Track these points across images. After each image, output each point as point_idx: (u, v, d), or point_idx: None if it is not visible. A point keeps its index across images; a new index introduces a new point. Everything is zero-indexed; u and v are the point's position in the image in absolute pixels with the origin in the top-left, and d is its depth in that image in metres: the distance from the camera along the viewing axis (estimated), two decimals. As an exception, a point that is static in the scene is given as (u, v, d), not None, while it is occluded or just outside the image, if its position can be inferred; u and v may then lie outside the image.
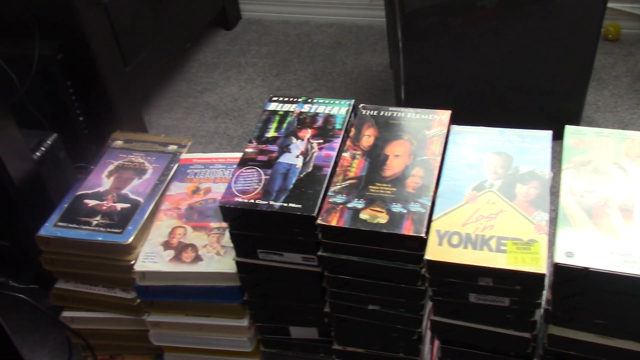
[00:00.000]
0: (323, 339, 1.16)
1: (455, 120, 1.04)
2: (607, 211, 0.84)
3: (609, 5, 2.43)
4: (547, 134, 0.97)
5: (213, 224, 1.15)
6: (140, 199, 1.20)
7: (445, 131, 1.01)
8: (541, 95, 1.90)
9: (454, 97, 1.92)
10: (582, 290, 0.82)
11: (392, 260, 0.91)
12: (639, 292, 0.78)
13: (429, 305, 0.98)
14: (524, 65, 1.84)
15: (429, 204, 0.90)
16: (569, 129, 0.96)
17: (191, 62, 2.65)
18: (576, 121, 1.97)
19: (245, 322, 1.16)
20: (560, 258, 0.79)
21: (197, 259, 1.10)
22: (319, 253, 0.95)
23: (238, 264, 1.04)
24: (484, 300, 0.88)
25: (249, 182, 0.97)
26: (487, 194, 0.90)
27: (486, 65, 1.84)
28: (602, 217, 0.83)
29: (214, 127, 2.30)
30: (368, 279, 0.96)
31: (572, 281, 0.80)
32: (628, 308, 0.82)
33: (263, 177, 0.98)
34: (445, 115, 1.03)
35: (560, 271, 0.80)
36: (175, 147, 1.35)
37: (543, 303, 0.88)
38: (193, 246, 1.13)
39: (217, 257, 1.10)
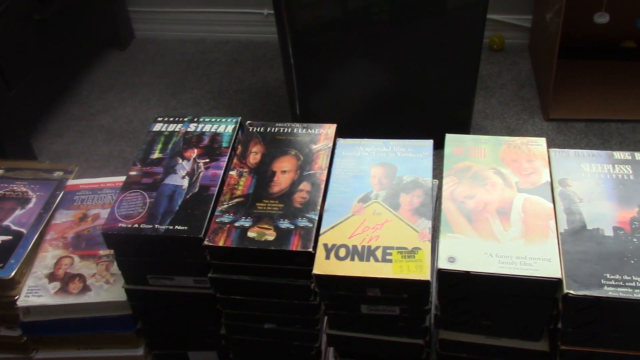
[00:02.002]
0: (223, 361, 1.14)
1: (350, 133, 1.05)
2: (485, 215, 0.87)
3: (493, 17, 2.56)
4: (429, 143, 0.99)
5: (102, 252, 1.11)
6: (24, 230, 1.14)
7: (331, 145, 1.01)
8: (432, 105, 1.96)
9: (349, 110, 1.95)
10: (466, 294, 0.84)
11: (283, 277, 0.91)
12: (518, 291, 0.81)
13: (326, 319, 0.99)
14: (414, 78, 1.90)
15: (317, 218, 0.90)
16: (449, 137, 0.99)
17: (83, 83, 2.57)
18: (466, 129, 2.05)
19: (140, 351, 1.12)
20: (443, 264, 0.81)
21: (85, 289, 1.06)
22: (209, 275, 0.94)
23: (127, 291, 1.01)
24: (375, 310, 0.89)
25: (133, 206, 0.95)
26: (372, 204, 0.91)
27: (379, 78, 1.88)
28: (482, 222, 0.86)
29: (108, 150, 2.23)
30: (261, 297, 0.95)
31: (455, 285, 0.82)
32: (510, 308, 0.85)
33: (148, 200, 0.95)
34: (331, 129, 1.04)
35: (443, 276, 0.81)
36: (61, 173, 1.29)
37: (432, 309, 0.90)
38: (80, 276, 1.08)
39: (106, 286, 1.06)
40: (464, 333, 0.91)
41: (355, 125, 1.91)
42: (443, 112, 1.98)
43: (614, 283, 0.77)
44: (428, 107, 1.96)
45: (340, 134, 1.05)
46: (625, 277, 0.77)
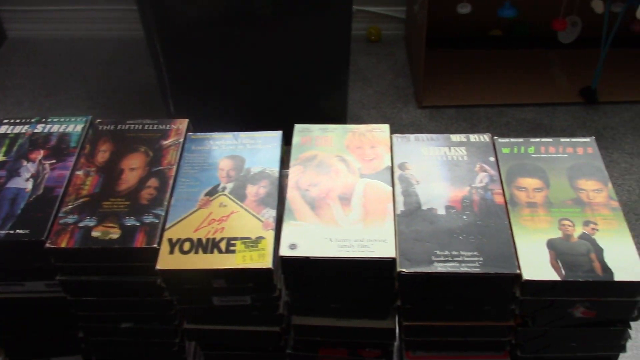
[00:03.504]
0: (88, 365, 1.11)
1: (225, 128, 1.04)
2: (328, 202, 0.89)
3: (370, 9, 2.62)
4: (277, 134, 1.01)
5: (-50, 262, 1.06)
6: None
7: (181, 140, 1.01)
8: (308, 97, 1.99)
9: (223, 105, 1.94)
10: (310, 279, 0.86)
11: (132, 275, 0.90)
12: (358, 273, 0.84)
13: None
14: (288, 71, 1.92)
15: (163, 214, 0.90)
16: (297, 128, 1.01)
17: (-51, 88, 2.44)
18: (343, 119, 2.09)
19: (-1, 362, 1.08)
20: (284, 251, 0.83)
21: None
22: (58, 278, 0.92)
23: (-25, 301, 0.97)
24: (227, 301, 0.90)
25: (-28, 212, 0.91)
26: (219, 197, 0.92)
27: (253, 72, 1.89)
28: (324, 208, 0.88)
29: (-24, 156, 2.13)
30: (114, 297, 0.94)
31: (298, 271, 0.84)
32: (354, 289, 0.88)
33: (-12, 205, 0.92)
34: (182, 124, 1.04)
35: (285, 263, 0.83)
36: None
37: (283, 295, 0.92)
38: None
39: (-46, 297, 1.01)
40: (316, 317, 0.93)
41: (230, 120, 1.92)
42: (319, 104, 2.01)
43: (443, 259, 0.81)
44: (303, 99, 1.99)
45: (213, 129, 1.04)
46: (454, 253, 0.82)
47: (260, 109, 1.98)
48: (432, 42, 2.14)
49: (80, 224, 0.89)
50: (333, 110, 2.06)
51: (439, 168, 0.94)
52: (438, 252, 0.82)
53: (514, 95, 2.31)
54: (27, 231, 0.89)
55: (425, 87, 2.24)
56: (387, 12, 2.65)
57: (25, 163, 0.99)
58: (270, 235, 0.86)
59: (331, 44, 1.86)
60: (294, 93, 1.98)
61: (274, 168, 0.96)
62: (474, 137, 0.99)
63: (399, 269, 0.81)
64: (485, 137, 0.99)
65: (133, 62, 2.56)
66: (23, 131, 1.05)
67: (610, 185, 0.91)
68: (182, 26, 1.72)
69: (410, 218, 0.87)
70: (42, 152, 1.01)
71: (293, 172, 0.94)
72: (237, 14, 1.74)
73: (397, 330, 0.94)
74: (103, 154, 1.00)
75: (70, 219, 0.90)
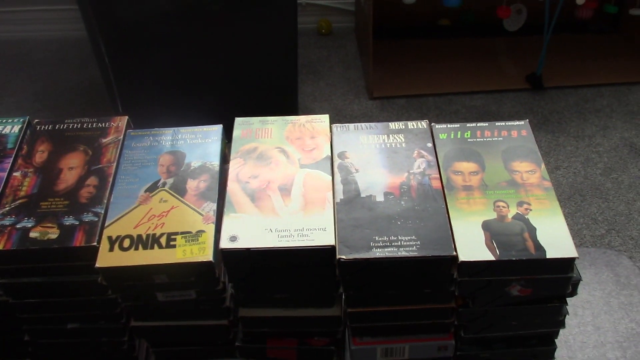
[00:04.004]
0: (38, 369, 1.10)
1: (174, 124, 1.03)
2: (268, 193, 0.90)
3: (319, 2, 2.63)
4: (218, 128, 1.01)
5: None
6: None
7: (121, 137, 1.01)
8: (258, 92, 1.99)
9: (172, 101, 1.93)
10: (252, 270, 0.87)
11: (74, 274, 0.89)
12: (299, 262, 0.85)
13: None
14: (237, 66, 1.91)
15: (102, 212, 0.89)
16: (237, 121, 1.02)
17: None
18: (294, 112, 2.10)
19: (-57, 370, 1.06)
20: (225, 243, 0.83)
21: None
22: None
23: None
24: (172, 296, 0.90)
25: None
26: (159, 193, 0.91)
27: (202, 67, 1.88)
28: (264, 200, 0.89)
29: None
30: (58, 297, 0.93)
31: (240, 263, 0.85)
32: (297, 279, 0.89)
33: None
34: (122, 121, 1.03)
35: (226, 255, 0.84)
36: None
37: (229, 288, 0.92)
38: None
39: None
40: (262, 308, 0.94)
41: (179, 116, 1.91)
42: (269, 98, 2.02)
43: (381, 244, 0.83)
44: (253, 94, 1.99)
45: (162, 125, 1.03)
46: (392, 238, 0.83)
47: (210, 104, 1.97)
48: (381, 34, 2.16)
49: (18, 225, 0.88)
50: (284, 104, 2.07)
51: (378, 156, 0.96)
52: (377, 238, 0.83)
53: (463, 84, 2.34)
54: (-37, 235, 0.87)
55: (375, 78, 2.26)
56: (336, 5, 2.67)
57: (-40, 166, 0.97)
58: (210, 229, 0.86)
59: (278, 37, 1.86)
60: (244, 88, 1.98)
61: (215, 162, 0.96)
62: (412, 124, 1.01)
63: (338, 256, 0.82)
64: (423, 124, 1.00)
65: (79, 62, 2.53)
66: (-42, 134, 1.03)
67: (543, 166, 0.93)
68: (126, 23, 1.71)
69: (350, 206, 0.88)
70: (-22, 154, 0.99)
71: (233, 164, 0.95)
72: (182, 9, 1.73)
73: (343, 317, 0.95)
74: (41, 154, 0.99)
75: (7, 221, 0.89)
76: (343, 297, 0.91)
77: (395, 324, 0.93)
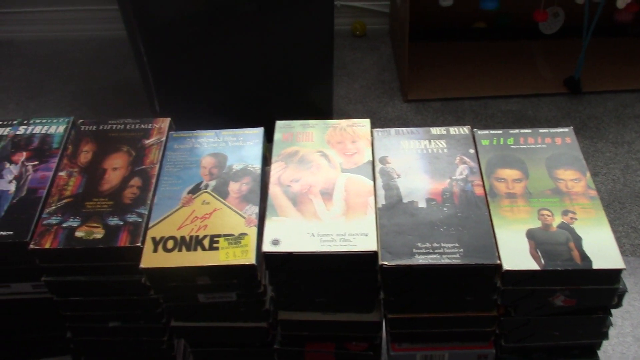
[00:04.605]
0: (78, 365, 1.12)
1: (210, 125, 1.04)
2: (310, 197, 0.90)
3: (354, 4, 2.63)
4: (259, 131, 1.02)
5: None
6: None
7: (164, 139, 1.02)
8: (293, 93, 2.00)
9: (209, 102, 1.95)
10: (293, 274, 0.87)
11: (117, 274, 0.90)
12: (340, 267, 0.85)
13: (173, 312, 0.99)
14: (273, 68, 1.92)
15: (146, 212, 0.90)
16: (278, 124, 1.02)
17: None
18: (329, 114, 2.10)
19: (-13, 364, 1.08)
20: (267, 247, 0.83)
21: None
22: (43, 278, 0.92)
23: (-39, 303, 0.97)
24: (213, 298, 0.91)
25: (-45, 215, 0.91)
26: (202, 195, 0.92)
27: (237, 68, 1.89)
28: (305, 203, 0.89)
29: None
30: (100, 296, 0.94)
31: (282, 267, 0.85)
32: (338, 283, 0.88)
33: (-29, 208, 0.92)
34: (164, 122, 1.04)
35: (268, 259, 0.84)
36: None
37: (269, 291, 0.93)
38: None
39: (-60, 300, 1.01)
40: (301, 312, 0.94)
41: (215, 116, 1.92)
42: (304, 99, 2.02)
43: (424, 251, 0.82)
44: (288, 95, 1.99)
45: (198, 126, 1.04)
46: (435, 245, 0.83)
47: (245, 105, 1.98)
48: (416, 36, 2.15)
49: (64, 225, 0.89)
50: (319, 106, 2.07)
51: (420, 161, 0.95)
52: (419, 245, 0.83)
53: (499, 87, 2.32)
54: (11, 233, 0.89)
55: (410, 81, 2.25)
56: (371, 7, 2.66)
57: (7, 165, 0.99)
58: (253, 232, 0.86)
59: (314, 39, 1.86)
60: (279, 89, 1.98)
61: (256, 165, 0.96)
62: (453, 130, 1.00)
63: (380, 262, 0.82)
64: (465, 130, 1.00)
65: (116, 62, 2.56)
66: (5, 133, 1.05)
67: (588, 174, 0.92)
68: (165, 24, 1.72)
69: (391, 211, 0.88)
70: (24, 154, 1.01)
71: (275, 168, 0.95)
72: (220, 10, 1.74)
73: (382, 323, 0.95)
74: (85, 155, 1.00)
75: (53, 220, 0.90)
76: (382, 302, 0.90)
77: (435, 331, 0.92)
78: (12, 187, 0.96)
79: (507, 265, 0.80)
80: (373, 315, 0.93)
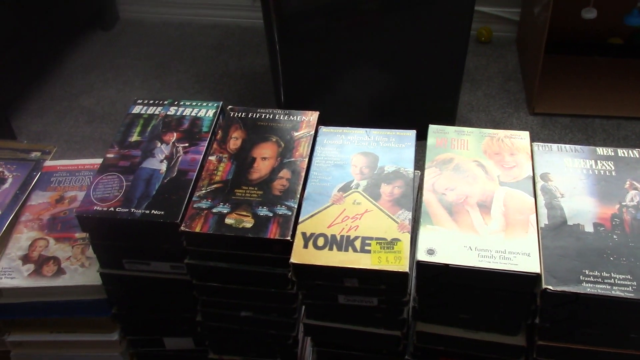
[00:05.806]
0: (199, 348, 1.12)
1: (333, 122, 1.03)
2: (466, 208, 0.86)
3: (481, 9, 2.55)
4: (412, 133, 0.98)
5: (78, 235, 1.09)
6: (-2, 211, 1.12)
7: (312, 132, 1.00)
8: (418, 96, 1.95)
9: (333, 99, 1.93)
10: (444, 287, 0.83)
11: (261, 265, 0.89)
12: (496, 285, 0.80)
13: (304, 308, 0.97)
14: (401, 68, 1.88)
15: (295, 206, 0.88)
16: (432, 128, 0.98)
17: (66, 63, 2.53)
18: (451, 121, 2.04)
19: (115, 336, 1.10)
20: (422, 256, 0.80)
21: (60, 272, 1.04)
22: (186, 261, 0.92)
23: (102, 275, 0.99)
24: (353, 301, 0.88)
25: (109, 189, 0.93)
26: (353, 194, 0.90)
27: (364, 67, 1.87)
28: (462, 214, 0.85)
29: (89, 131, 2.20)
30: (238, 285, 0.94)
31: (434, 278, 0.81)
32: (488, 301, 0.84)
33: (125, 183, 0.93)
34: (313, 116, 1.03)
35: (422, 269, 0.80)
36: (38, 153, 1.27)
37: (410, 301, 0.89)
38: (55, 259, 1.06)
39: (81, 270, 1.04)
40: (441, 325, 0.90)
41: (339, 114, 1.91)
42: (428, 103, 1.97)
43: (592, 279, 0.76)
44: (413, 97, 1.95)
45: (323, 122, 1.03)
46: (604, 274, 0.77)
47: (369, 106, 1.95)
48: (548, 47, 2.06)
49: (214, 210, 0.89)
50: (441, 111, 2.02)
51: (585, 181, 0.89)
52: (587, 272, 0.77)
53: (633, 108, 2.19)
54: (162, 212, 0.89)
55: (539, 93, 2.16)
56: (499, 13, 2.57)
57: (159, 144, 1.00)
58: (406, 238, 0.83)
59: (449, 43, 1.81)
60: (404, 91, 1.94)
61: (409, 168, 0.93)
62: (622, 152, 0.93)
63: (544, 286, 0.76)
64: (635, 153, 0.93)
65: (241, 50, 2.59)
66: (156, 112, 1.06)
67: None
68: (301, 17, 1.72)
69: (555, 233, 0.82)
70: (175, 134, 1.02)
71: (429, 174, 0.91)
72: (356, 9, 1.72)
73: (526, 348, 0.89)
74: (235, 141, 1.00)
75: (203, 204, 0.90)
76: (535, 327, 0.85)
77: (586, 365, 0.86)
78: (163, 167, 0.96)
79: (686, 306, 0.73)
80: (518, 339, 0.88)
